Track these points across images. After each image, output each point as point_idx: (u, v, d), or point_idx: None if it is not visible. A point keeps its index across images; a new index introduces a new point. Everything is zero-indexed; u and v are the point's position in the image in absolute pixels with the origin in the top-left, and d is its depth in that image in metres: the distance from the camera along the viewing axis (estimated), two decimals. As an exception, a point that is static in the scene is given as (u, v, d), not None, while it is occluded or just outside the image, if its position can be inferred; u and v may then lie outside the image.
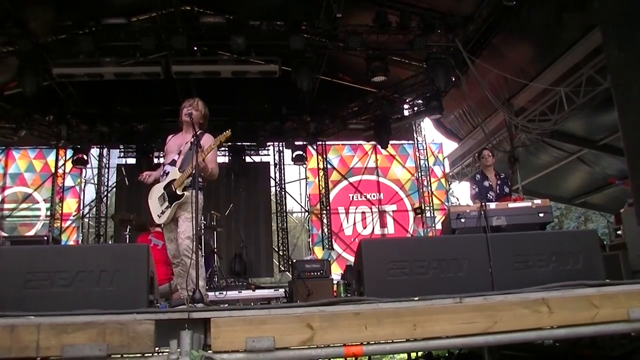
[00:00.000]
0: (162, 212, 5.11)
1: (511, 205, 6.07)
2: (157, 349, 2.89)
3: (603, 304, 3.25)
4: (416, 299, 3.29)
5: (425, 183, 16.30)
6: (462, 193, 22.47)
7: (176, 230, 5.11)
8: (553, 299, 3.25)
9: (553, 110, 10.50)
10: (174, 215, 5.09)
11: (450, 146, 16.57)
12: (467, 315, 3.12)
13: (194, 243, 4.59)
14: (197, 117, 5.17)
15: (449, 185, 17.21)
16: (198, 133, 5.04)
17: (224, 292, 8.53)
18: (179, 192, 5.01)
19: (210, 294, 7.45)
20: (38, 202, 15.05)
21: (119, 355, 2.89)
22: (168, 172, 5.18)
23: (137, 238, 7.73)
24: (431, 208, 16.11)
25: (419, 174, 16.38)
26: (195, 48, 10.77)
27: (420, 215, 15.96)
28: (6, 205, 14.82)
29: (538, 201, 6.06)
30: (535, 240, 4.55)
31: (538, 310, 3.18)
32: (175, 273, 5.27)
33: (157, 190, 5.22)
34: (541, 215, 5.89)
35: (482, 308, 3.17)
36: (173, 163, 5.16)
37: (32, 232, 14.60)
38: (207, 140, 5.22)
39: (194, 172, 4.74)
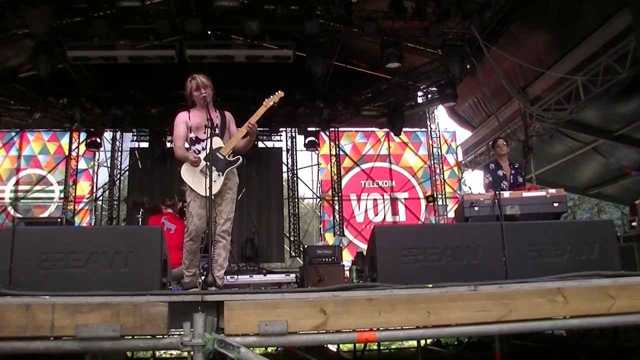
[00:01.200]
0: (213, 182, 4.81)
1: (525, 194, 6.00)
2: (170, 331, 2.91)
3: (619, 294, 3.22)
4: (430, 286, 3.28)
5: (437, 171, 16.20)
6: (475, 182, 22.29)
7: (214, 208, 4.92)
8: (569, 289, 3.22)
9: (569, 99, 10.36)
10: (222, 185, 4.98)
11: (464, 134, 16.49)
12: (482, 303, 3.11)
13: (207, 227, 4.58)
14: (210, 96, 5.12)
15: (462, 173, 17.11)
16: (218, 112, 5.16)
17: (236, 276, 8.57)
18: (231, 158, 5.02)
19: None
20: (52, 185, 15.15)
21: (131, 337, 2.91)
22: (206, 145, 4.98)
23: (149, 219, 7.71)
24: (443, 196, 16.03)
25: (432, 161, 16.29)
26: (209, 32, 10.73)
27: (432, 203, 15.90)
28: (20, 187, 14.94)
29: (553, 191, 5.98)
30: (551, 229, 4.52)
31: (553, 299, 3.16)
32: (190, 250, 5.12)
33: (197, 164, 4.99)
34: (556, 205, 5.81)
35: (497, 296, 3.15)
36: (214, 135, 4.97)
37: (45, 214, 14.69)
38: (229, 116, 5.34)
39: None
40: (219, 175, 4.93)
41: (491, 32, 10.77)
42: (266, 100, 5.29)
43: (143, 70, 11.76)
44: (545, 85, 11.01)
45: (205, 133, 4.95)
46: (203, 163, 4.94)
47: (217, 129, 5.07)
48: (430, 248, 4.17)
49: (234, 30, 10.75)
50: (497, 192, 5.83)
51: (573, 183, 14.66)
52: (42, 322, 2.80)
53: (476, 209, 5.78)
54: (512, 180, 7.10)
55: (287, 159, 16.11)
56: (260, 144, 15.58)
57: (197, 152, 5.06)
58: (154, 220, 7.39)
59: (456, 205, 11.67)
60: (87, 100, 13.55)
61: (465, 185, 17.66)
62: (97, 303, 2.88)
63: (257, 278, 9.16)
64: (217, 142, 5.02)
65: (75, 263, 3.80)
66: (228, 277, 8.12)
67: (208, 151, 4.89)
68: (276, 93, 5.32)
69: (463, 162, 16.57)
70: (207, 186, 4.67)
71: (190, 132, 5.15)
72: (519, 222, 5.37)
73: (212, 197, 4.77)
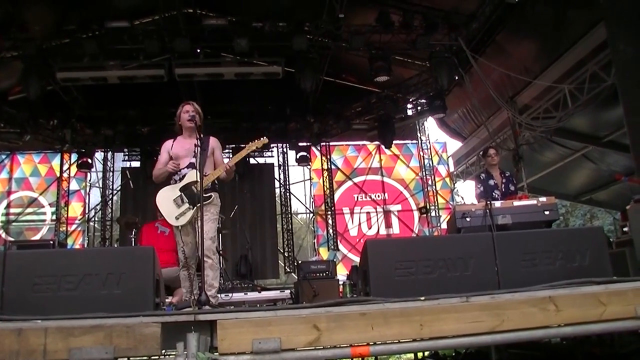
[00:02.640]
0: (182, 214, 5.05)
1: (517, 203, 6.04)
2: (163, 351, 2.90)
3: (611, 301, 3.23)
4: (422, 298, 3.29)
5: (429, 182, 16.24)
6: (467, 192, 22.44)
7: (192, 234, 5.10)
8: (560, 297, 3.24)
9: (557, 107, 10.45)
10: (190, 219, 5.07)
11: (454, 145, 16.56)
12: (474, 314, 3.11)
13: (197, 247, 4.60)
14: (199, 120, 5.18)
15: (454, 184, 17.16)
16: (202, 136, 5.12)
17: (230, 294, 8.54)
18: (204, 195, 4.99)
19: (217, 295, 7.43)
20: (44, 207, 15.07)
21: (126, 358, 2.90)
22: (184, 175, 5.17)
23: (143, 227, 7.65)
24: (436, 207, 16.05)
25: (424, 173, 16.33)
26: (199, 50, 10.79)
27: (425, 215, 15.91)
28: (12, 210, 14.84)
29: (543, 199, 6.02)
30: (542, 238, 4.54)
31: (545, 308, 3.17)
32: (183, 277, 5.21)
33: (171, 192, 5.15)
34: (547, 213, 5.85)
35: (489, 307, 3.16)
36: (191, 166, 5.11)
37: (37, 237, 14.61)
38: (213, 142, 5.33)
39: (202, 176, 4.80)
40: (189, 208, 5.03)
41: (478, 43, 10.86)
42: (250, 143, 5.37)
43: (133, 89, 11.78)
44: (534, 94, 11.09)
45: (191, 158, 5.07)
46: (177, 193, 5.10)
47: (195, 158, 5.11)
48: (422, 260, 4.19)
49: (223, 48, 10.81)
50: (488, 202, 5.86)
51: (565, 190, 14.74)
52: (35, 346, 2.79)
53: (468, 219, 5.81)
54: (503, 189, 7.12)
55: (279, 174, 16.11)
56: (252, 160, 15.58)
57: (174, 181, 5.21)
58: (147, 228, 7.35)
59: (449, 216, 11.69)
60: (77, 121, 13.58)
61: (458, 195, 17.74)
62: (89, 325, 2.87)
63: (252, 295, 9.13)
64: (192, 175, 5.11)
65: (68, 286, 3.79)
66: (222, 295, 8.10)
67: (185, 182, 5.13)
68: (261, 139, 5.41)
69: (455, 172, 16.62)
70: (177, 215, 5.00)
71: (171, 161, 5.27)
72: (510, 231, 5.39)
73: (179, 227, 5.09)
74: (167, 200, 5.13)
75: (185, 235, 5.12)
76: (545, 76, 10.36)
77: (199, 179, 4.82)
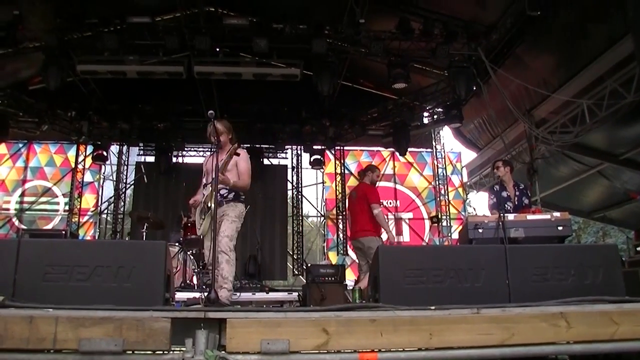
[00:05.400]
0: (200, 225, 5.62)
1: (530, 217, 5.99)
2: (172, 347, 2.91)
3: (623, 320, 3.20)
4: (433, 308, 3.27)
5: (442, 192, 16.20)
6: (480, 203, 22.29)
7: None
8: (572, 314, 3.21)
9: (574, 122, 10.36)
10: (209, 226, 5.42)
11: (469, 155, 16.45)
12: (484, 326, 3.09)
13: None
14: (224, 141, 5.61)
15: (467, 194, 17.08)
16: (232, 151, 5.43)
17: (238, 294, 8.54)
18: (208, 205, 5.47)
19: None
20: (57, 197, 15.21)
21: (131, 352, 2.91)
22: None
23: None
24: (448, 217, 15.99)
25: (437, 182, 16.29)
26: (218, 49, 10.82)
27: (436, 224, 15.85)
28: (26, 199, 15.00)
29: (557, 214, 5.98)
30: (555, 253, 4.50)
31: (556, 324, 3.15)
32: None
33: (198, 207, 5.78)
34: (560, 228, 5.80)
35: (500, 320, 3.14)
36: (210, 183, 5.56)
37: (50, 226, 14.74)
38: (242, 154, 5.70)
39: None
40: (202, 219, 5.61)
41: (497, 54, 10.80)
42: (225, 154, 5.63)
43: (151, 85, 11.86)
44: (551, 108, 11.02)
45: (206, 178, 5.68)
46: (201, 206, 5.70)
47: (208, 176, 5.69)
48: (433, 269, 4.16)
49: (242, 48, 10.83)
50: (502, 215, 5.83)
51: (578, 206, 14.60)
52: (45, 334, 2.81)
53: (480, 231, 5.77)
54: (517, 202, 7.09)
55: (292, 176, 16.15)
56: (266, 161, 15.63)
57: (202, 195, 5.74)
58: None
59: (460, 227, 11.63)
60: (94, 113, 13.68)
61: (470, 206, 17.66)
62: (100, 317, 2.89)
63: (260, 296, 9.12)
64: (207, 190, 5.63)
65: (79, 276, 3.81)
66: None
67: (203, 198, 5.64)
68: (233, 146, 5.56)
69: (468, 183, 16.52)
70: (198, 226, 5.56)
71: (203, 177, 5.85)
72: (522, 245, 5.36)
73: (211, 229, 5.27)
74: (197, 213, 5.77)
75: (208, 241, 5.52)
76: (563, 90, 10.28)
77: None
